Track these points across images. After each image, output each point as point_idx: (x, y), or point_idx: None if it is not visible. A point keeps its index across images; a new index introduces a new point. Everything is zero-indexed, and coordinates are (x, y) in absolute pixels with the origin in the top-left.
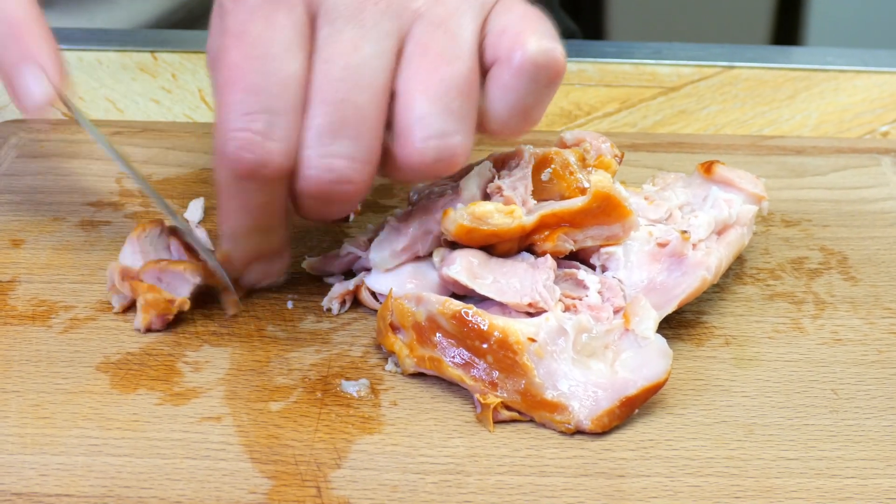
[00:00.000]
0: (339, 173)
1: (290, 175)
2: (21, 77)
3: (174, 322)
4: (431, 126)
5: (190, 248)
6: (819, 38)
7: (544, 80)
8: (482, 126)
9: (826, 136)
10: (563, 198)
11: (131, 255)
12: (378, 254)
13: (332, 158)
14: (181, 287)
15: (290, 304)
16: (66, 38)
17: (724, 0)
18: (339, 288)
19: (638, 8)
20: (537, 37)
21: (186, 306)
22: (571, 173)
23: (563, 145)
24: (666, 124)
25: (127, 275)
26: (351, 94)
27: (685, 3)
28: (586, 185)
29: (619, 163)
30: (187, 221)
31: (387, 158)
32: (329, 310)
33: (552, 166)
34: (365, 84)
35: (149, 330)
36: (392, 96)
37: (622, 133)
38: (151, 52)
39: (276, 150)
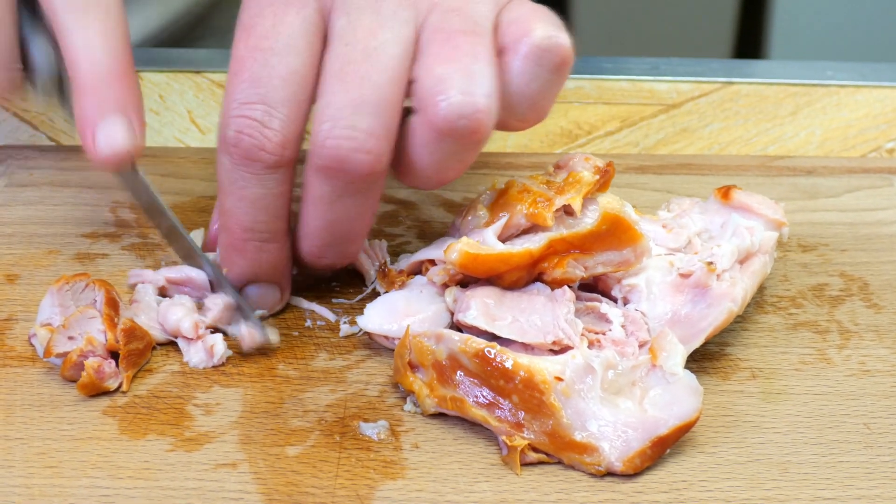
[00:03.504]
0: (360, 142)
1: (288, 167)
2: (108, 126)
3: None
4: (453, 84)
5: (115, 306)
6: (782, 51)
7: (549, 66)
8: None
9: (832, 153)
10: (531, 219)
11: (49, 308)
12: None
13: (352, 130)
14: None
15: None
16: None
17: (686, 14)
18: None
19: (599, 21)
20: (543, 24)
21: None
22: (528, 191)
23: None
24: (669, 143)
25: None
26: (370, 73)
27: (648, 17)
28: (552, 194)
29: (605, 175)
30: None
31: (409, 138)
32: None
33: (508, 193)
34: (383, 66)
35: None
36: (410, 84)
37: (627, 154)
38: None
39: (272, 137)
